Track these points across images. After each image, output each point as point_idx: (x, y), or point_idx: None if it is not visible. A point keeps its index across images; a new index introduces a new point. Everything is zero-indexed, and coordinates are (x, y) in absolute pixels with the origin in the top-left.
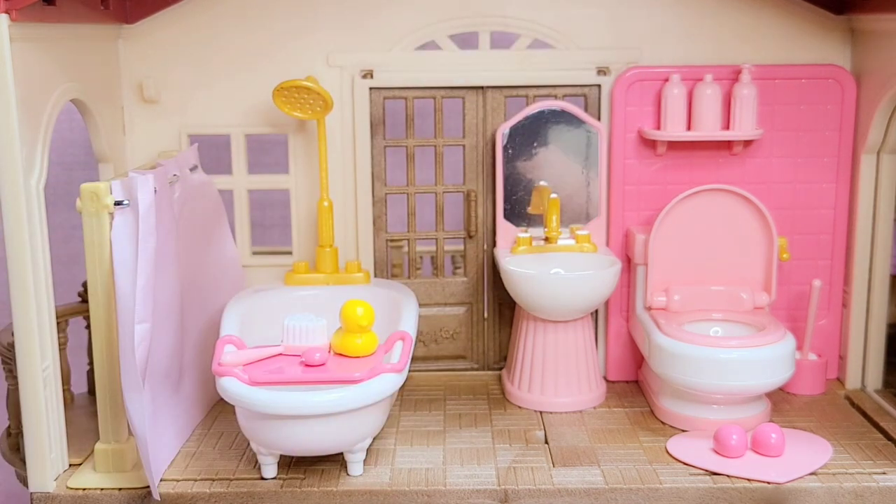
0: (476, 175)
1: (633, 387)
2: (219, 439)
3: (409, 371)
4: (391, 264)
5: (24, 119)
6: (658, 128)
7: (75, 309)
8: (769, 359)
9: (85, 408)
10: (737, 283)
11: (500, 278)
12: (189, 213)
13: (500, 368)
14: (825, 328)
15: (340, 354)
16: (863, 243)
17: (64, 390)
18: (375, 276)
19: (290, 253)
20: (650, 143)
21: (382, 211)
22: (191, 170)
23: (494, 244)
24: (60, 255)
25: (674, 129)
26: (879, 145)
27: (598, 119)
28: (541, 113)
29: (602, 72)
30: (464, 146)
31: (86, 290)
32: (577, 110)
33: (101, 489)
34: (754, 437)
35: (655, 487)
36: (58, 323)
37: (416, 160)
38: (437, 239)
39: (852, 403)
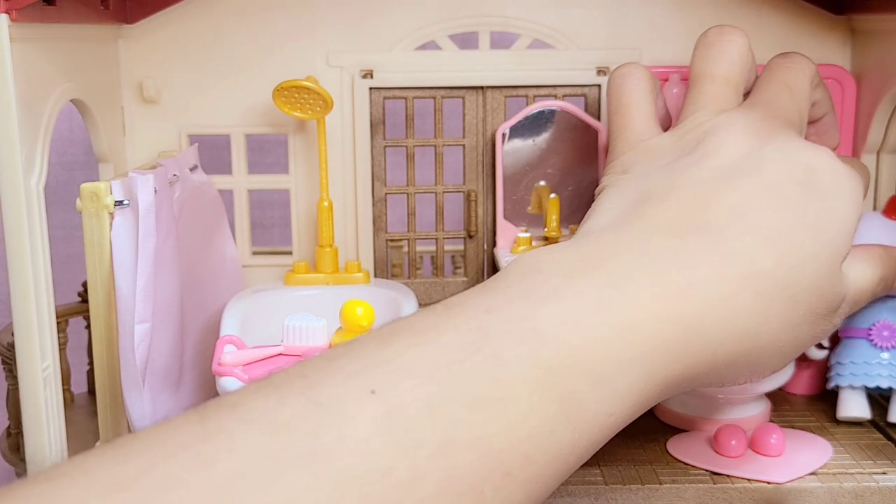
0: (476, 175)
1: None
2: None
3: None
4: (391, 264)
5: (24, 119)
6: None
7: (75, 309)
8: None
9: (85, 408)
10: None
11: None
12: (189, 213)
13: None
14: None
15: None
16: None
17: (64, 390)
18: (375, 276)
19: (290, 253)
20: None
21: (382, 211)
22: (191, 170)
23: (494, 244)
24: (60, 255)
25: None
26: (879, 145)
27: (598, 119)
28: (541, 113)
29: (602, 72)
30: (464, 146)
31: (86, 290)
32: (577, 110)
33: None
34: (754, 437)
35: (655, 487)
36: (58, 323)
37: (416, 160)
38: (437, 239)
39: None
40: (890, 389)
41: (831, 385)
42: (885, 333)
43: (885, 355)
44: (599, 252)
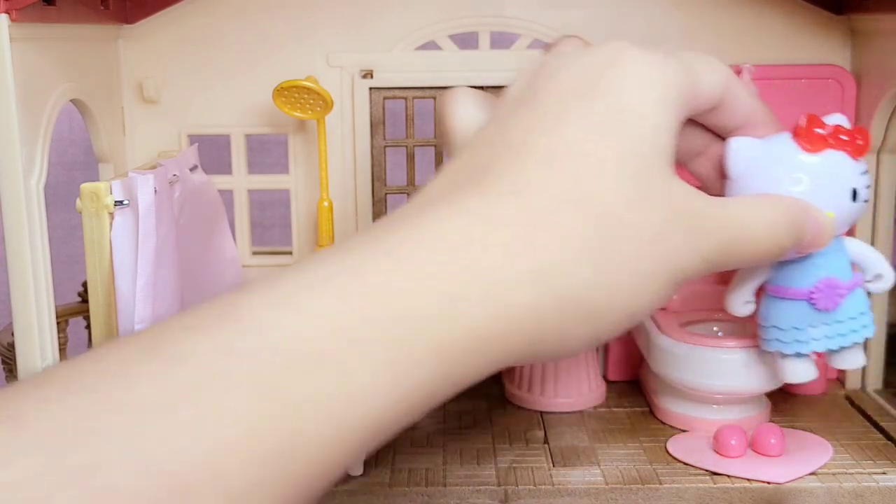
0: None
1: (633, 387)
2: None
3: None
4: None
5: (24, 119)
6: None
7: (75, 309)
8: (769, 359)
9: None
10: None
11: None
12: (189, 213)
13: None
14: None
15: None
16: None
17: None
18: None
19: (290, 253)
20: None
21: (382, 211)
22: (191, 170)
23: None
24: (60, 255)
25: None
26: (879, 145)
27: None
28: None
29: None
30: None
31: (86, 290)
32: None
33: None
34: (754, 437)
35: (655, 487)
36: (58, 323)
37: (416, 160)
38: None
39: (852, 403)
40: (829, 351)
41: (771, 350)
42: (829, 292)
43: (826, 320)
44: (346, 246)
